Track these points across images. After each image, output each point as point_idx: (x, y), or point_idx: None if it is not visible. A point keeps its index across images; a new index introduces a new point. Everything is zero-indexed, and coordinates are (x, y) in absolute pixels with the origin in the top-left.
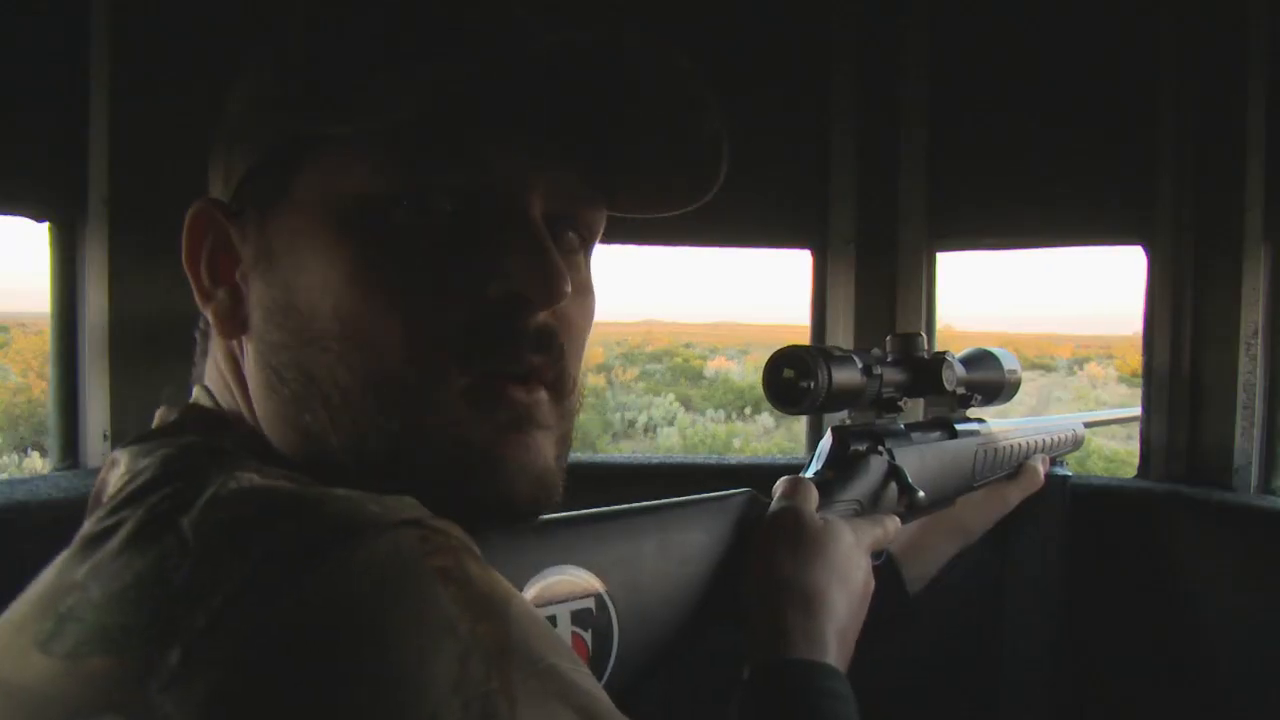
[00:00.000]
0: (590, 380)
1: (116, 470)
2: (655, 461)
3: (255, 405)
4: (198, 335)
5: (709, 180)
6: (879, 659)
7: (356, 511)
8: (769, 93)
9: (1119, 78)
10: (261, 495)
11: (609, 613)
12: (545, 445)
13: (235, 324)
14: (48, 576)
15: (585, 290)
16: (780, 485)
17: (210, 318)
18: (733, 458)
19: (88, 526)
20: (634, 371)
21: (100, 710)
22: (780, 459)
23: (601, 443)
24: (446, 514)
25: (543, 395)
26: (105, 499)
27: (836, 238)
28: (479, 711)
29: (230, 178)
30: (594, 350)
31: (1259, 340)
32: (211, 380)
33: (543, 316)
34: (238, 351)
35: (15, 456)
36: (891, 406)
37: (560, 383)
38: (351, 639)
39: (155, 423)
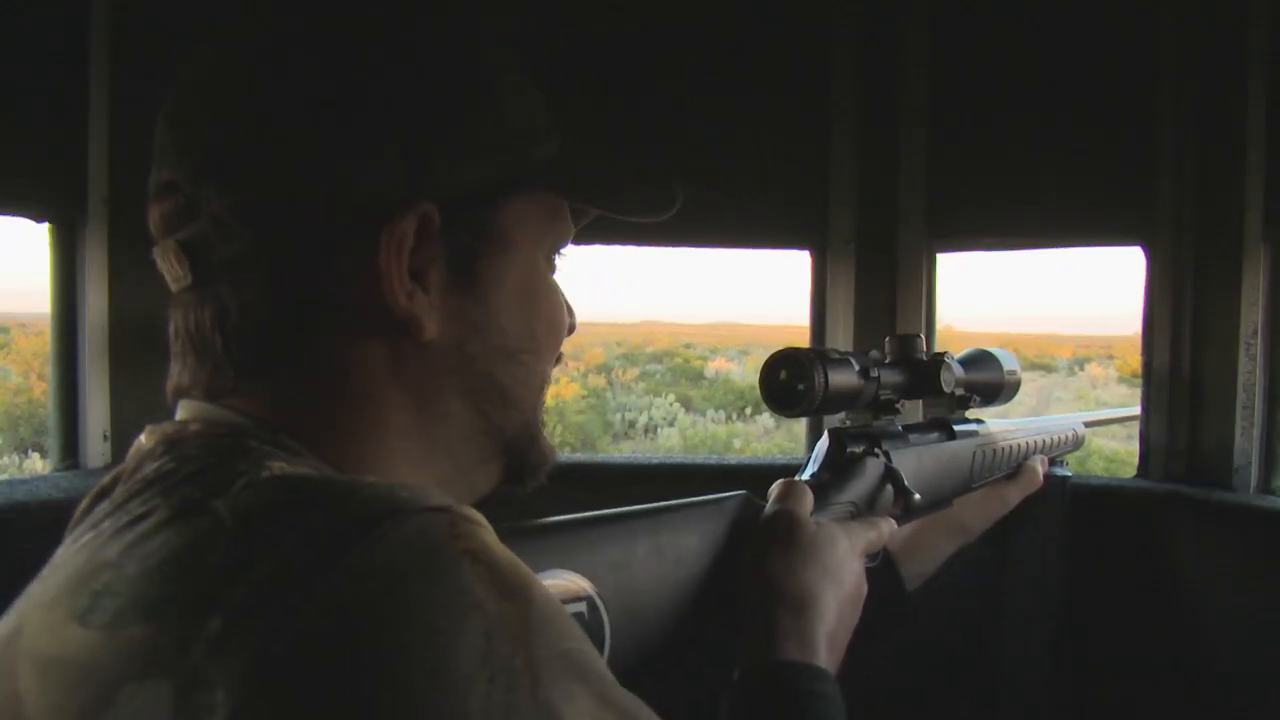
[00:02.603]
0: (590, 380)
1: (147, 466)
2: (655, 462)
3: (416, 408)
4: (229, 339)
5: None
6: (878, 659)
7: (386, 496)
8: (769, 93)
9: (1119, 78)
10: (294, 482)
11: (601, 616)
12: None
13: (432, 326)
14: (75, 559)
15: None
16: (775, 488)
17: (412, 318)
18: (732, 458)
19: (120, 517)
20: (634, 372)
21: (145, 674)
22: (780, 459)
23: (602, 443)
24: (530, 473)
25: None
26: (129, 482)
27: (836, 238)
28: (504, 686)
29: (419, 191)
30: (594, 350)
31: (1259, 340)
32: (276, 389)
33: None
34: (379, 355)
35: (15, 457)
36: (889, 409)
37: None
38: (384, 616)
39: (150, 443)
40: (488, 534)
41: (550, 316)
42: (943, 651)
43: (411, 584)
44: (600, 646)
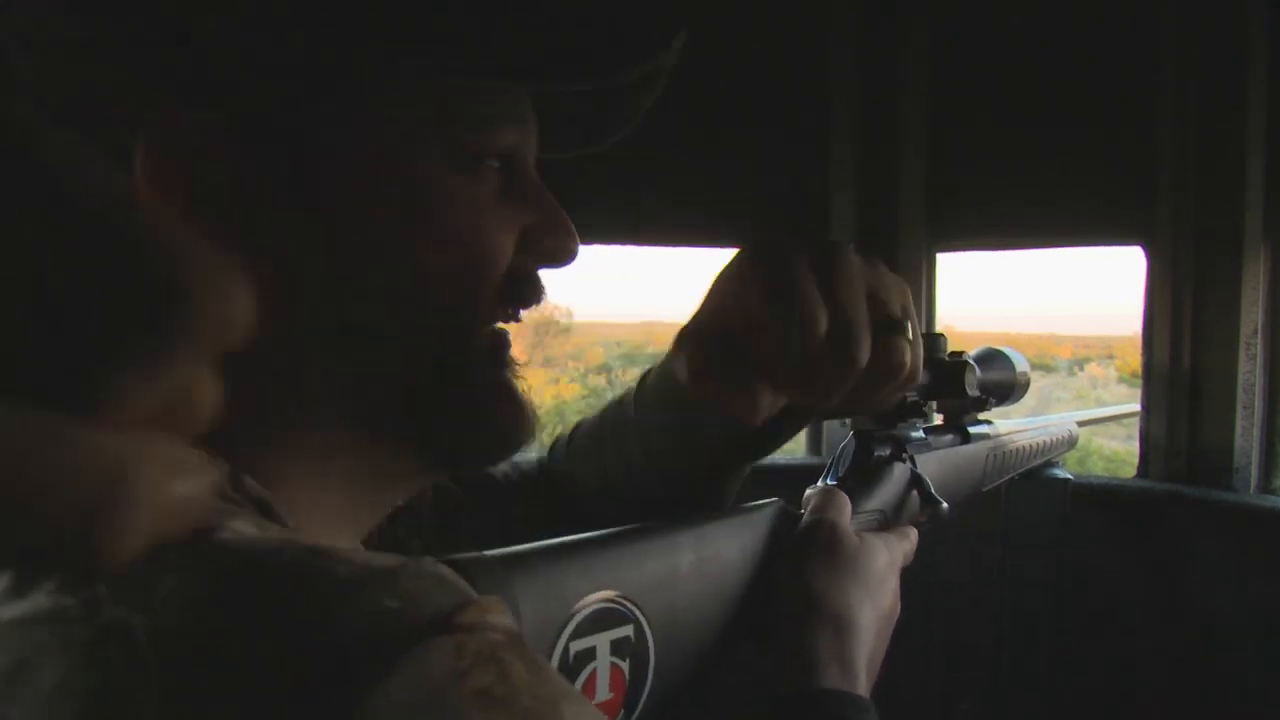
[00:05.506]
0: (590, 380)
1: None
2: None
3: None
4: None
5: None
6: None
7: (372, 616)
8: (768, 93)
9: (1119, 78)
10: (235, 579)
11: (646, 639)
12: None
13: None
14: None
15: None
16: (812, 496)
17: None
18: None
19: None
20: (634, 372)
21: None
22: (781, 459)
23: None
24: (470, 451)
25: None
26: None
27: (837, 238)
28: None
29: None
30: (594, 350)
31: (1259, 340)
32: None
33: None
34: None
35: None
36: (916, 410)
37: None
38: None
39: None
40: (504, 645)
41: (439, 250)
42: (943, 651)
43: None
44: (645, 672)
